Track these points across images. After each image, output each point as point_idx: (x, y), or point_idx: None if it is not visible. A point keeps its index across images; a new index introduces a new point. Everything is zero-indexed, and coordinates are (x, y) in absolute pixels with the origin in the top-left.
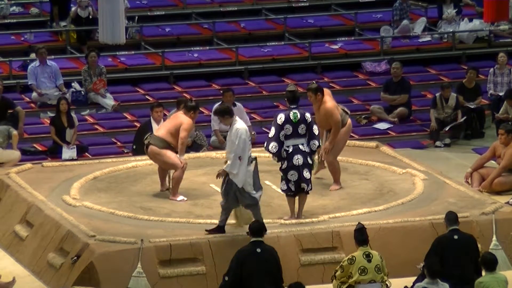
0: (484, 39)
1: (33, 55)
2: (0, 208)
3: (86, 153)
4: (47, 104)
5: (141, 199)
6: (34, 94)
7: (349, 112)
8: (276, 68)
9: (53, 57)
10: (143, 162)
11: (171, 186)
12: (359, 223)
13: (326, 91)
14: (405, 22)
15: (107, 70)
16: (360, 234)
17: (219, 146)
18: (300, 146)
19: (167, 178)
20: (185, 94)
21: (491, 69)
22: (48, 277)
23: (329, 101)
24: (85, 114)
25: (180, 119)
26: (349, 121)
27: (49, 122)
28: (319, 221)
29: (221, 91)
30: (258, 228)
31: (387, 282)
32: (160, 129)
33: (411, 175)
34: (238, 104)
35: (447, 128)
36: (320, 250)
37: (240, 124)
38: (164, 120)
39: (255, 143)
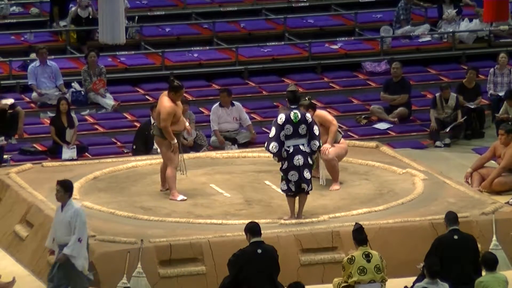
0: (484, 39)
1: (33, 55)
2: (0, 208)
3: (86, 153)
4: (47, 104)
5: (141, 199)
6: (34, 94)
7: (342, 133)
8: (276, 68)
9: (53, 57)
10: (143, 162)
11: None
12: (356, 223)
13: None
14: (408, 28)
15: (107, 70)
16: (358, 233)
17: (219, 146)
18: (301, 147)
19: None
20: (185, 94)
21: (491, 69)
22: None
23: (320, 110)
24: (85, 114)
25: (160, 106)
26: (343, 141)
27: (49, 122)
28: (319, 221)
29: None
30: (255, 229)
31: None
32: (155, 114)
33: (411, 175)
34: (236, 103)
35: (447, 129)
36: (320, 250)
37: (77, 205)
38: None
39: (255, 143)
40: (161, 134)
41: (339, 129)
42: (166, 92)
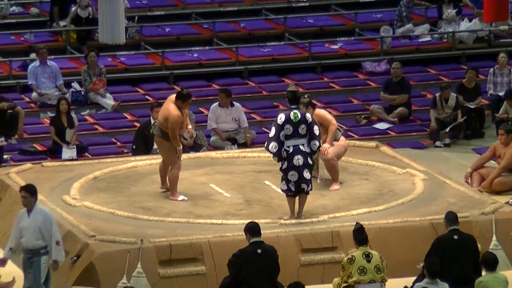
0: (484, 39)
1: (33, 55)
2: (0, 208)
3: (86, 153)
4: (47, 104)
5: (141, 199)
6: (34, 94)
7: (341, 130)
8: (276, 68)
9: (53, 57)
10: (143, 162)
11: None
12: (357, 223)
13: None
14: (410, 26)
15: (107, 70)
16: (359, 233)
17: (220, 146)
18: (301, 147)
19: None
20: None
21: (491, 69)
22: None
23: (319, 110)
24: (85, 114)
25: (168, 113)
26: (343, 139)
27: (49, 122)
28: (319, 221)
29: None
30: (255, 229)
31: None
32: (159, 116)
33: (411, 175)
34: (236, 104)
35: (447, 129)
36: (320, 250)
37: (44, 207)
38: None
39: (254, 143)
40: (162, 134)
41: (338, 127)
42: (172, 97)
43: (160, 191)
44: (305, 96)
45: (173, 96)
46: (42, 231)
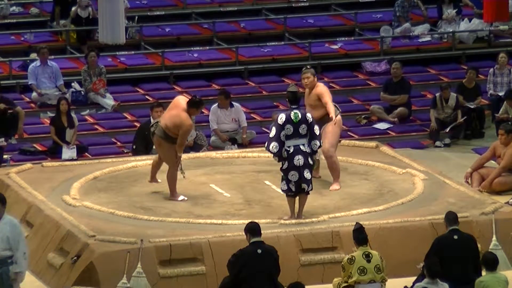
0: (484, 39)
1: (33, 55)
2: None
3: (86, 153)
4: (47, 104)
5: (141, 199)
6: (34, 94)
7: (339, 109)
8: (276, 68)
9: (53, 57)
10: (143, 162)
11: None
12: (357, 223)
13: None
14: (407, 25)
15: (107, 70)
16: (359, 233)
17: (220, 146)
18: (301, 147)
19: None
20: (185, 94)
21: (491, 69)
22: (48, 277)
23: (322, 85)
24: (85, 114)
25: (181, 122)
26: (339, 116)
27: (49, 122)
28: (319, 221)
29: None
30: (255, 229)
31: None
32: (164, 118)
33: (411, 175)
34: (236, 104)
35: (447, 129)
36: (320, 250)
37: (11, 217)
38: None
39: (253, 143)
40: (164, 136)
41: (336, 105)
42: (179, 103)
43: (160, 191)
44: (307, 67)
45: (180, 101)
46: (10, 241)
